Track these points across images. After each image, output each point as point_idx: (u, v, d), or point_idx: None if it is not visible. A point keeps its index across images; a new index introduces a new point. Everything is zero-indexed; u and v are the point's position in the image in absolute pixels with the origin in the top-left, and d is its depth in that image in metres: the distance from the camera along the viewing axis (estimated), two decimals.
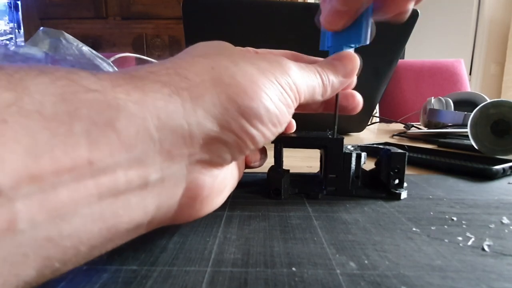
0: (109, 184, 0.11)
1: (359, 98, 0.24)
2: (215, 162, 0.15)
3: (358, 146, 0.26)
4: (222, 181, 0.16)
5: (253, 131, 0.15)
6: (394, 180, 0.24)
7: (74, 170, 0.10)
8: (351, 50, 0.22)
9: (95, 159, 0.10)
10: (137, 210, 0.12)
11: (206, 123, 0.14)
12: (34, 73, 0.10)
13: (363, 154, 0.24)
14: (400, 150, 0.24)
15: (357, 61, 0.21)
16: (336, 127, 0.24)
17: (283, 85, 0.17)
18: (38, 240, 0.09)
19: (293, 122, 0.24)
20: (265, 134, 0.16)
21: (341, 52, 0.21)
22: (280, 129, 0.17)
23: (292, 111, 0.18)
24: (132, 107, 0.11)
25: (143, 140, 0.12)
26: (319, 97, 0.20)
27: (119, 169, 0.11)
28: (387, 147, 0.25)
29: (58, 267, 0.10)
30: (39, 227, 0.09)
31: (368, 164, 0.25)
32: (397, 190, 0.24)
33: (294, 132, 0.24)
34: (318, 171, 0.27)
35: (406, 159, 0.23)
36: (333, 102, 0.23)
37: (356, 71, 0.21)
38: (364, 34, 0.21)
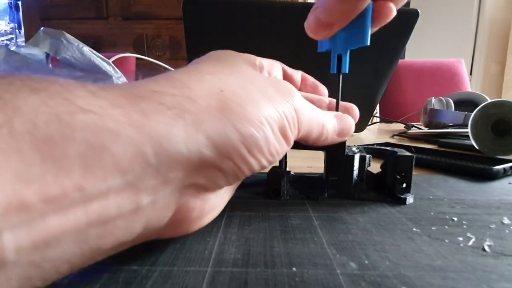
0: (99, 210, 0.10)
1: (356, 112, 0.24)
2: (209, 187, 0.15)
3: (364, 147, 0.26)
4: (213, 203, 0.16)
5: (252, 161, 0.15)
6: (401, 184, 0.23)
7: (65, 197, 0.09)
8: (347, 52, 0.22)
9: (87, 185, 0.10)
10: (124, 232, 0.12)
11: (206, 150, 0.13)
12: (27, 90, 0.10)
13: (368, 157, 0.23)
14: (407, 153, 0.23)
15: (352, 125, 0.22)
16: None
17: (288, 119, 0.16)
18: (21, 265, 0.09)
19: None
20: (262, 163, 0.16)
21: (345, 115, 0.22)
22: (277, 159, 0.17)
23: (291, 145, 0.18)
24: (131, 132, 0.11)
25: (139, 165, 0.11)
26: (309, 142, 0.20)
27: (111, 194, 0.11)
28: (395, 149, 0.24)
29: (38, 284, 0.10)
30: (24, 255, 0.09)
31: (374, 166, 0.25)
32: (403, 194, 0.23)
33: None
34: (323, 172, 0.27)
35: (414, 162, 0.22)
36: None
37: (350, 134, 0.22)
38: (368, 35, 0.21)
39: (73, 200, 0.10)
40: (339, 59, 0.22)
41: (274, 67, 0.22)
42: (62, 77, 0.12)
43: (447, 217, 0.20)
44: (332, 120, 0.21)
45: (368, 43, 0.21)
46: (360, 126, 0.64)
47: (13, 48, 0.40)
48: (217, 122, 0.14)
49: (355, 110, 0.24)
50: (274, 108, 0.16)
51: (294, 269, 0.14)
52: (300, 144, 0.24)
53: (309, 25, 0.20)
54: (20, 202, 0.08)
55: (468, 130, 0.42)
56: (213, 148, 0.13)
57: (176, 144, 0.12)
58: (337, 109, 0.23)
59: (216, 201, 0.17)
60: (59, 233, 0.10)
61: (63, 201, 0.09)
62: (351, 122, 0.22)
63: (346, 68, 0.22)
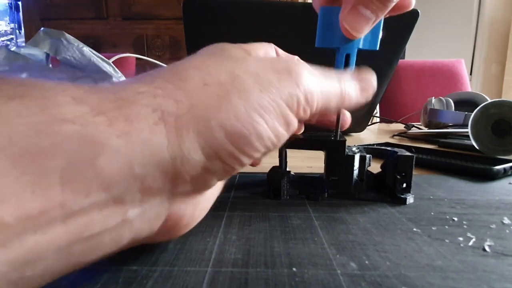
0: (82, 226, 0.10)
1: (348, 116, 0.23)
2: (199, 189, 0.14)
3: (364, 147, 0.26)
4: (203, 204, 0.16)
5: (242, 157, 0.14)
6: (401, 184, 0.23)
7: (43, 215, 0.09)
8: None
9: (68, 201, 0.09)
10: (111, 244, 0.11)
11: (192, 154, 0.12)
12: (3, 99, 0.09)
13: (368, 156, 0.23)
14: (407, 153, 0.23)
15: (374, 82, 0.20)
16: (339, 128, 0.24)
17: (288, 102, 0.14)
18: (1, 282, 0.09)
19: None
20: (255, 156, 0.14)
21: (362, 71, 0.20)
22: (273, 149, 0.15)
23: (295, 128, 0.16)
24: (116, 142, 0.10)
25: (124, 178, 0.11)
26: (333, 111, 0.18)
27: (94, 209, 0.10)
28: (395, 149, 0.25)
29: None
30: (2, 274, 0.08)
31: (374, 166, 0.25)
32: (403, 194, 0.23)
33: None
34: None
35: (414, 162, 0.23)
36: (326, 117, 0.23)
37: (373, 90, 0.20)
38: (379, 40, 0.21)
39: (53, 218, 0.09)
40: (347, 59, 0.22)
41: (269, 53, 0.21)
42: (50, 78, 0.11)
43: (447, 217, 0.20)
44: (350, 81, 0.19)
45: (378, 48, 0.21)
46: (360, 126, 0.64)
47: (13, 49, 0.40)
48: (202, 122, 0.12)
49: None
50: (269, 96, 0.14)
51: (294, 269, 0.14)
52: (300, 144, 0.24)
53: (354, 23, 0.19)
54: None
55: (468, 130, 0.42)
56: (199, 151, 0.12)
57: (160, 153, 0.11)
58: (338, 114, 0.23)
59: (207, 202, 0.16)
60: (38, 252, 0.09)
61: (41, 219, 0.09)
62: (371, 77, 0.20)
63: (352, 69, 0.22)
